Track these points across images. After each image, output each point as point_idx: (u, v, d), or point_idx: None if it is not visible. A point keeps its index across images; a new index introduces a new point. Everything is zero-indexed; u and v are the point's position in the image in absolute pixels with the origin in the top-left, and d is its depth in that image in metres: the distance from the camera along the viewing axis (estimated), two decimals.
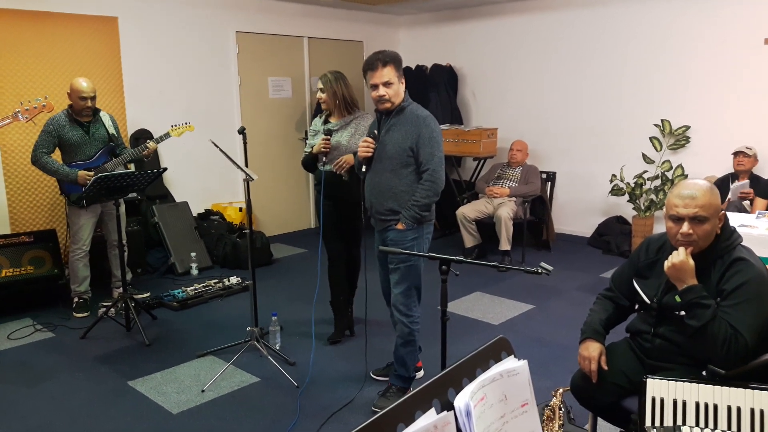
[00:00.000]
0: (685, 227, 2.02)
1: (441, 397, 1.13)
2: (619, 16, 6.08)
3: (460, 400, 1.10)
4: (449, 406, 1.11)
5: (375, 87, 2.98)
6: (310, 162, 3.79)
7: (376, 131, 3.09)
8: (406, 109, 3.04)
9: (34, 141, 4.20)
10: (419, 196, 2.99)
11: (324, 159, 3.62)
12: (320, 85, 3.69)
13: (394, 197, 3.04)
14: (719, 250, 2.06)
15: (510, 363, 1.24)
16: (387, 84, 2.95)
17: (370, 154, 3.07)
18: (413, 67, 7.46)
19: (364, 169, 3.13)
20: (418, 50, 7.73)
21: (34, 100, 3.95)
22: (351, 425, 2.94)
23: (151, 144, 4.32)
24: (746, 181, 4.91)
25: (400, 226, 3.04)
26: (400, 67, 3.01)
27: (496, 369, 1.19)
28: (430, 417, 1.04)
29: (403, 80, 3.04)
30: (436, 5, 7.15)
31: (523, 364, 1.25)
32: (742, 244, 2.10)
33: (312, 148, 3.74)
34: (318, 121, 3.86)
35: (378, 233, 3.21)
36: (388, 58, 2.96)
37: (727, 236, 2.08)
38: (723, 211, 2.09)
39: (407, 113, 3.03)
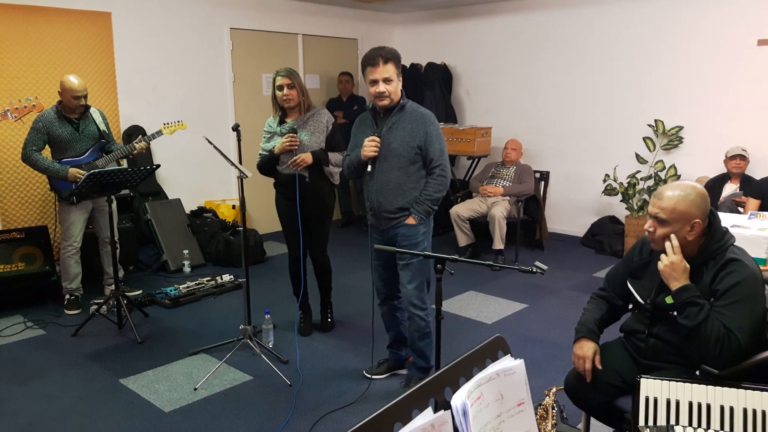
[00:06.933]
0: (649, 222, 2.11)
1: (438, 396, 1.13)
2: (614, 16, 6.10)
3: (457, 399, 1.10)
4: (446, 406, 1.11)
5: (374, 83, 2.95)
6: (270, 165, 3.71)
7: (377, 131, 3.05)
8: (407, 106, 3.06)
9: (25, 138, 4.16)
10: (432, 191, 3.05)
11: (293, 162, 3.54)
12: (287, 81, 3.57)
13: (404, 195, 3.06)
14: (711, 251, 2.06)
15: (506, 362, 1.24)
16: (387, 80, 2.94)
17: (376, 154, 3.04)
18: (407, 66, 7.46)
19: (369, 169, 3.09)
20: (412, 48, 7.72)
21: (25, 99, 3.91)
22: (344, 424, 2.94)
23: (139, 144, 4.28)
24: (740, 191, 4.89)
25: (411, 221, 3.06)
26: (400, 64, 3.02)
27: (492, 368, 1.20)
28: (427, 416, 1.04)
29: (401, 78, 3.03)
30: (431, 3, 7.14)
31: (520, 363, 1.25)
32: (734, 244, 2.10)
33: (270, 150, 3.66)
34: (273, 122, 3.74)
35: (379, 232, 3.18)
36: (390, 55, 2.95)
37: (719, 237, 2.08)
38: (698, 220, 2.04)
39: (408, 111, 3.05)
